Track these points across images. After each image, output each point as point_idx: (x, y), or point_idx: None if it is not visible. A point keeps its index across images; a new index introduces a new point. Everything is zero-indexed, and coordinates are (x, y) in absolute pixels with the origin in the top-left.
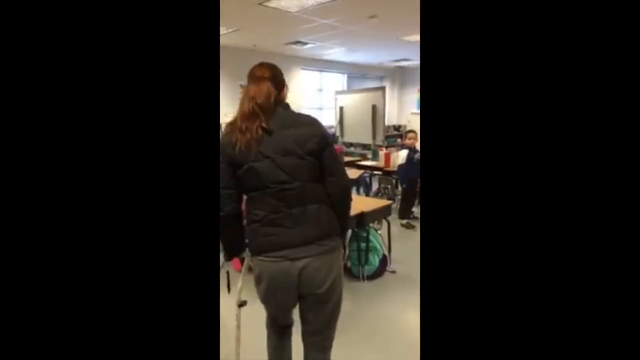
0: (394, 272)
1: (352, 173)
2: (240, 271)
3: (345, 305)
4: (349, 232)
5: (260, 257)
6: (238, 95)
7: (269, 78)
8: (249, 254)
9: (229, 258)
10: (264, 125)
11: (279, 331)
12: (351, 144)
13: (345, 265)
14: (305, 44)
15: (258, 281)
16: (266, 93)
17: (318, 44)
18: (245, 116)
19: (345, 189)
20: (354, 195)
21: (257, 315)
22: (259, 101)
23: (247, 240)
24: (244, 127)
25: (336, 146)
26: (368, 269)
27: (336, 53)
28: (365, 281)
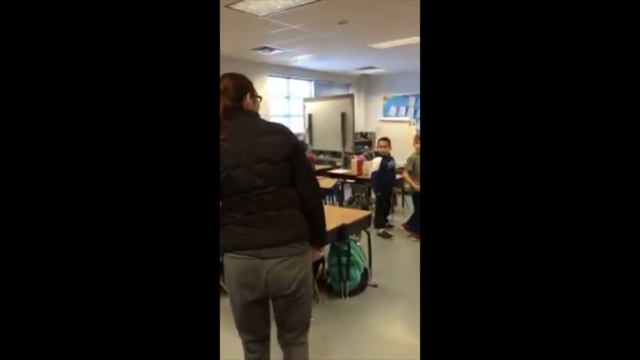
0: (375, 285)
1: (326, 182)
2: None
3: (328, 324)
4: (328, 246)
5: (231, 254)
6: None
7: (222, 90)
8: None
9: None
10: (222, 137)
11: (255, 349)
12: (321, 152)
13: (325, 281)
14: (273, 50)
15: (228, 278)
16: (239, 92)
17: (286, 50)
18: (226, 116)
19: (316, 189)
20: (329, 206)
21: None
22: (233, 101)
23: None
24: (225, 133)
25: (307, 154)
26: (350, 285)
27: (304, 60)
28: (347, 297)
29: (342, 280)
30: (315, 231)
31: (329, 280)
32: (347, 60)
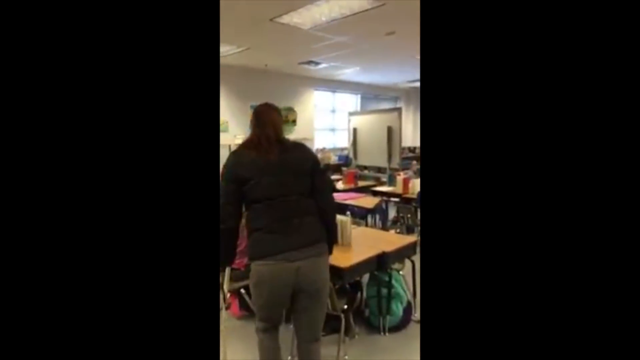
0: (419, 321)
1: (367, 201)
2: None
3: None
4: (367, 275)
5: (260, 262)
6: (249, 117)
7: (278, 113)
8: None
9: (222, 267)
10: (278, 150)
11: (270, 332)
12: (365, 167)
13: (362, 313)
14: (319, 64)
15: (257, 284)
16: (280, 123)
17: (332, 63)
18: (269, 139)
19: (333, 203)
20: (369, 228)
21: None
22: (277, 130)
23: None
24: (264, 148)
25: (350, 170)
26: (390, 320)
27: (350, 73)
28: (387, 334)
29: (381, 315)
30: (330, 239)
31: (367, 313)
32: (395, 73)
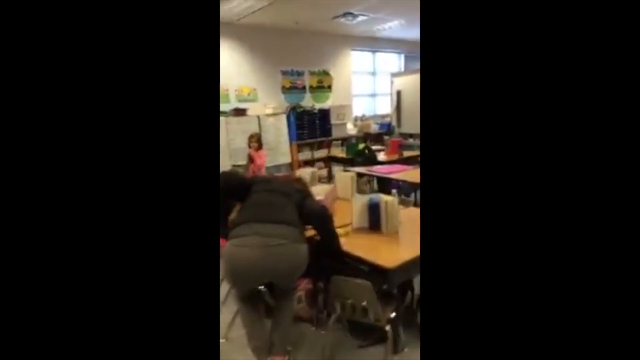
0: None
1: (416, 175)
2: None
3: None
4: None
5: (233, 241)
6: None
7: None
8: None
9: None
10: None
11: (248, 302)
12: (410, 135)
13: (414, 315)
14: (356, 16)
15: (226, 269)
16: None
17: (371, 15)
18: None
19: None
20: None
21: None
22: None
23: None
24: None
25: (393, 139)
26: None
27: (392, 28)
28: None
29: None
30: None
31: (420, 317)
32: None
